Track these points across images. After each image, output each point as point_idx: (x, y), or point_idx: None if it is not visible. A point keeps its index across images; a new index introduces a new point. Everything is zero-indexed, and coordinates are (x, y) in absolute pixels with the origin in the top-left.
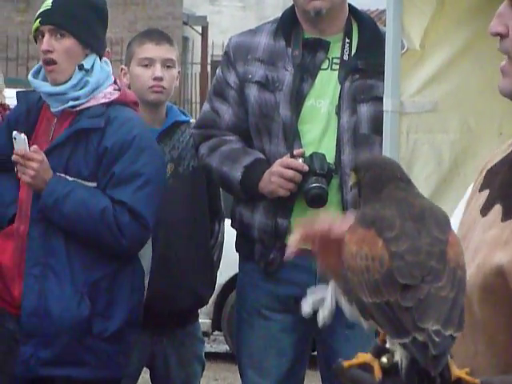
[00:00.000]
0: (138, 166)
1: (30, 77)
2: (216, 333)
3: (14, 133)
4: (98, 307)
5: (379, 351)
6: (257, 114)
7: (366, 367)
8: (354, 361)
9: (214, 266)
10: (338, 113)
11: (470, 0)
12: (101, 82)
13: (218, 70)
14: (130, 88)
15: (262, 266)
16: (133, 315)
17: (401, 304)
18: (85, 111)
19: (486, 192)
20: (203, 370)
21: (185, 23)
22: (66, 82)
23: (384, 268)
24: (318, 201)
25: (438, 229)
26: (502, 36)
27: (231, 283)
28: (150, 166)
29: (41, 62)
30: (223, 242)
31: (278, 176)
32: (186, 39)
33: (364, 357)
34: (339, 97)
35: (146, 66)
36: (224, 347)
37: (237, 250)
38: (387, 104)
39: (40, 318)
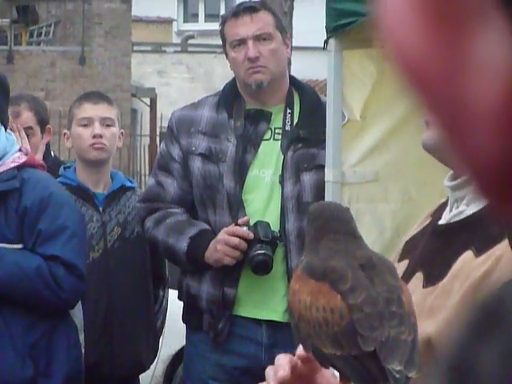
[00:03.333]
0: (62, 220)
1: None
2: None
3: None
4: (39, 367)
5: None
6: (201, 185)
7: None
8: None
9: (158, 332)
10: (282, 182)
11: None
12: (7, 149)
13: (161, 144)
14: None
15: (211, 336)
16: (73, 371)
17: (364, 351)
18: None
19: (406, 262)
20: None
21: (133, 95)
22: None
23: (344, 321)
24: (262, 267)
25: (391, 275)
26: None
27: (180, 354)
28: (72, 219)
29: None
30: (167, 308)
31: (223, 244)
32: (134, 111)
33: None
34: (282, 166)
35: (86, 125)
36: None
37: (184, 322)
38: (329, 174)
39: None
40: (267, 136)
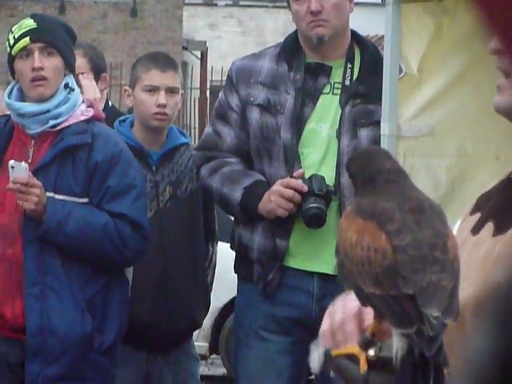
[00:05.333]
0: (130, 178)
1: (6, 99)
2: (213, 356)
3: (12, 161)
4: (96, 322)
5: (367, 344)
6: (258, 136)
7: (353, 358)
8: (342, 350)
9: (209, 288)
10: (339, 136)
11: (468, 24)
12: (78, 100)
13: (220, 93)
14: (132, 110)
15: (261, 287)
16: (123, 327)
17: (404, 293)
18: (66, 129)
19: (478, 215)
20: None
21: (184, 48)
22: (49, 99)
23: (386, 261)
24: (316, 221)
25: (439, 221)
26: (501, 53)
27: (229, 307)
28: (139, 177)
29: (13, 83)
30: (216, 264)
31: (277, 195)
32: (185, 64)
33: (352, 348)
34: (340, 121)
35: (150, 91)
36: (221, 370)
37: (235, 271)
38: (384, 128)
39: (45, 336)
40: (326, 90)
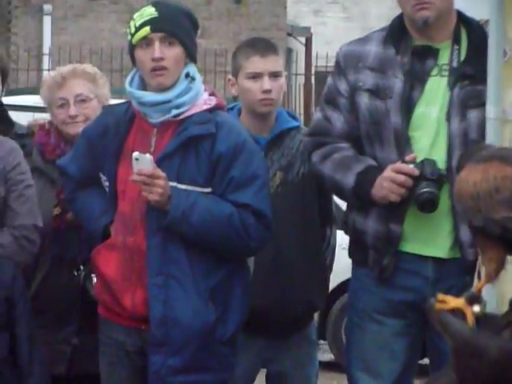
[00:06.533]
0: (254, 168)
1: (128, 87)
2: (320, 342)
3: (136, 153)
4: (218, 312)
5: (472, 299)
6: (368, 121)
7: (457, 313)
8: (446, 304)
9: (327, 270)
10: (448, 119)
11: None
12: (200, 89)
13: (329, 79)
14: (237, 98)
15: (376, 273)
16: (244, 317)
17: None
18: (189, 119)
19: None
20: (317, 373)
21: (289, 34)
22: (170, 89)
23: None
24: (428, 205)
25: None
26: None
27: (337, 291)
28: (262, 167)
29: (134, 71)
30: (335, 246)
31: (389, 181)
32: (289, 50)
33: (457, 302)
34: (449, 103)
35: (254, 78)
36: (329, 356)
37: (350, 256)
38: (490, 111)
39: (169, 327)
40: (434, 72)
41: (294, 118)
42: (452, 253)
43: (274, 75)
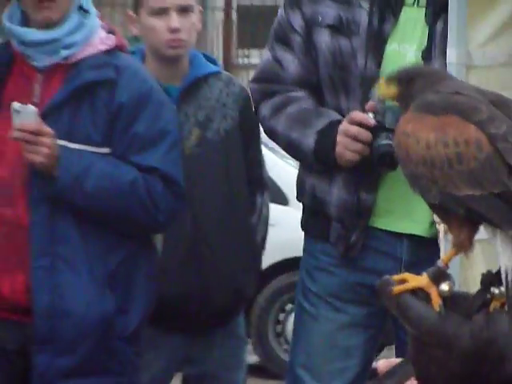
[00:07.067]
0: (163, 123)
1: (7, 23)
2: None
3: (17, 104)
4: (118, 301)
5: (438, 276)
6: (329, 64)
7: (419, 294)
8: (407, 285)
9: (258, 248)
10: (427, 60)
11: None
12: (95, 26)
13: (279, 11)
14: (138, 39)
15: (341, 250)
16: (150, 307)
17: None
18: (82, 62)
19: None
20: (244, 378)
21: None
22: (58, 25)
23: (484, 153)
24: (387, 161)
25: None
26: None
27: (264, 277)
28: (173, 122)
29: (14, 4)
30: (268, 217)
31: (343, 135)
32: None
33: (419, 280)
34: (428, 40)
35: (159, 14)
36: (253, 358)
37: (303, 229)
38: (451, 55)
39: (57, 319)
40: (409, 1)
41: (213, 61)
42: (432, 230)
43: (184, 10)
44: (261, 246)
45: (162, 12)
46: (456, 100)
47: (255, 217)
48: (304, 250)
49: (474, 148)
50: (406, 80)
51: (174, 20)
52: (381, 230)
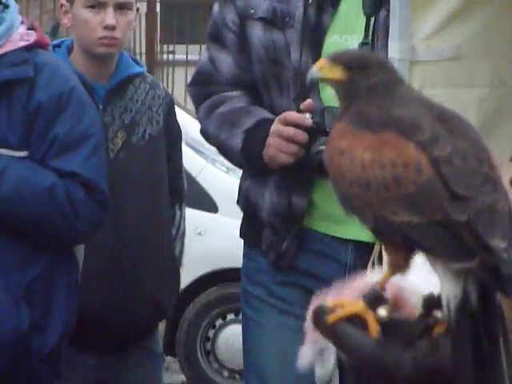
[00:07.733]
0: (85, 126)
1: None
2: (169, 359)
3: None
4: (34, 316)
5: (374, 300)
6: (263, 60)
7: (355, 321)
8: (341, 312)
9: (177, 263)
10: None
11: None
12: (15, 21)
13: (214, 7)
14: (58, 30)
15: (272, 259)
16: (70, 324)
17: (454, 219)
18: (0, 59)
19: None
20: None
21: None
22: None
23: (424, 177)
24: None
25: (474, 132)
26: None
27: (190, 292)
28: (96, 124)
29: None
30: (185, 231)
31: (275, 136)
32: None
33: (354, 306)
34: (373, 31)
35: (95, 7)
36: (179, 378)
37: (241, 237)
38: (393, 49)
39: None
40: None
41: (136, 62)
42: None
43: (122, 7)
44: (179, 261)
45: (98, 6)
46: (399, 115)
47: (174, 230)
48: (243, 255)
49: (413, 171)
50: (358, 67)
51: (111, 16)
52: (320, 233)
